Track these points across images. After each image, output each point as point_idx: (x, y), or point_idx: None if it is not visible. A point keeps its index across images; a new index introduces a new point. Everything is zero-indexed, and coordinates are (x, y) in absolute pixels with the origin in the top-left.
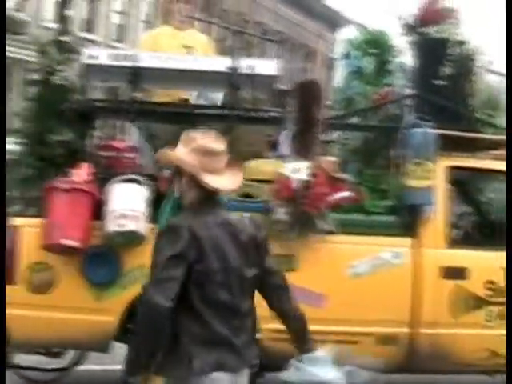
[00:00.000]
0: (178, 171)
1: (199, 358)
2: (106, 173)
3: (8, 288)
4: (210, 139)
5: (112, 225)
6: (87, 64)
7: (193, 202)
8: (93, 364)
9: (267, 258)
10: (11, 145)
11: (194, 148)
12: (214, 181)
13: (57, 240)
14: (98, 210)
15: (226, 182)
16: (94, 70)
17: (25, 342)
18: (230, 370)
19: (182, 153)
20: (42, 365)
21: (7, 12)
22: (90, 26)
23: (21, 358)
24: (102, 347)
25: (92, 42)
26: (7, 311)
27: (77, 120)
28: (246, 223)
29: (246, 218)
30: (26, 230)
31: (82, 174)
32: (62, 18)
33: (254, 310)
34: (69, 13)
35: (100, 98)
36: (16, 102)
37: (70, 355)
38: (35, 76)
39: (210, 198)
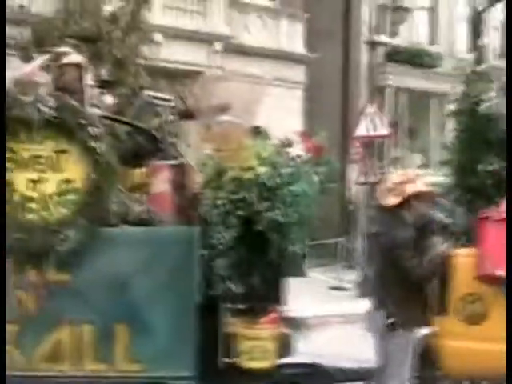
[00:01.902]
0: None
1: None
2: None
3: (441, 318)
4: (396, 177)
5: None
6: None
7: None
8: None
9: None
10: (439, 177)
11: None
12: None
13: (490, 271)
14: None
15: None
16: None
17: (456, 372)
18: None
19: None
20: None
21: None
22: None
23: None
24: None
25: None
26: (441, 341)
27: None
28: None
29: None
30: (460, 260)
31: None
32: (477, 48)
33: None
34: (483, 42)
35: None
36: (435, 134)
37: None
38: (460, 107)
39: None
